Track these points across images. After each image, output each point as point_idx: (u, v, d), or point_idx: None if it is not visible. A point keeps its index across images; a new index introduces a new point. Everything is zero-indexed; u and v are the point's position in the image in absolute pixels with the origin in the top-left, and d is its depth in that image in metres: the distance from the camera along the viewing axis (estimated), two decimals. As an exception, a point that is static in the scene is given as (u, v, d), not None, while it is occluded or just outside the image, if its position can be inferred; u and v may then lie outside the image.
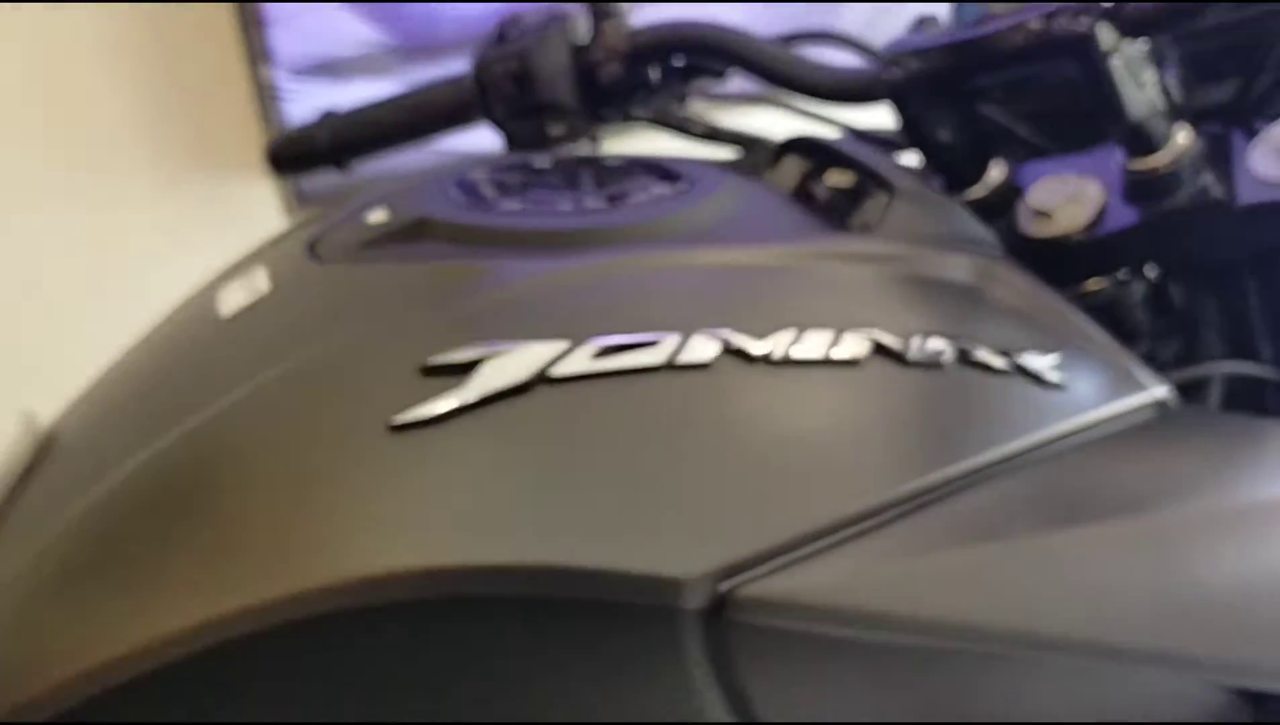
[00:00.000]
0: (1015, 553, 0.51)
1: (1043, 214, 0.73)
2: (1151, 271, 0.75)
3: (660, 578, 0.46)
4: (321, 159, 0.95)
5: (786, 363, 0.53)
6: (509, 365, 0.50)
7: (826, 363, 0.54)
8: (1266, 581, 0.54)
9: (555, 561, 0.46)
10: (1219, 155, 0.71)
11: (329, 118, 0.95)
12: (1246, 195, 0.69)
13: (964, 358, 0.57)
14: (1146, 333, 0.76)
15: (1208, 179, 0.70)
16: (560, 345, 0.51)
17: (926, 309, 0.58)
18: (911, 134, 0.75)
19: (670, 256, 0.58)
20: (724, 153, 0.87)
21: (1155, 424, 0.60)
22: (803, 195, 0.74)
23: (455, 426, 0.49)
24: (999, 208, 0.75)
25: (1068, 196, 0.73)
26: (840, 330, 0.55)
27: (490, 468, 0.48)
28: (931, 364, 0.56)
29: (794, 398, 0.52)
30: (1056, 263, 0.74)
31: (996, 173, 0.76)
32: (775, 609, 0.47)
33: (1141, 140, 0.69)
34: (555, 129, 0.86)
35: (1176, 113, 0.70)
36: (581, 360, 0.50)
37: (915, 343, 0.56)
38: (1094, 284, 0.74)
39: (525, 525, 0.47)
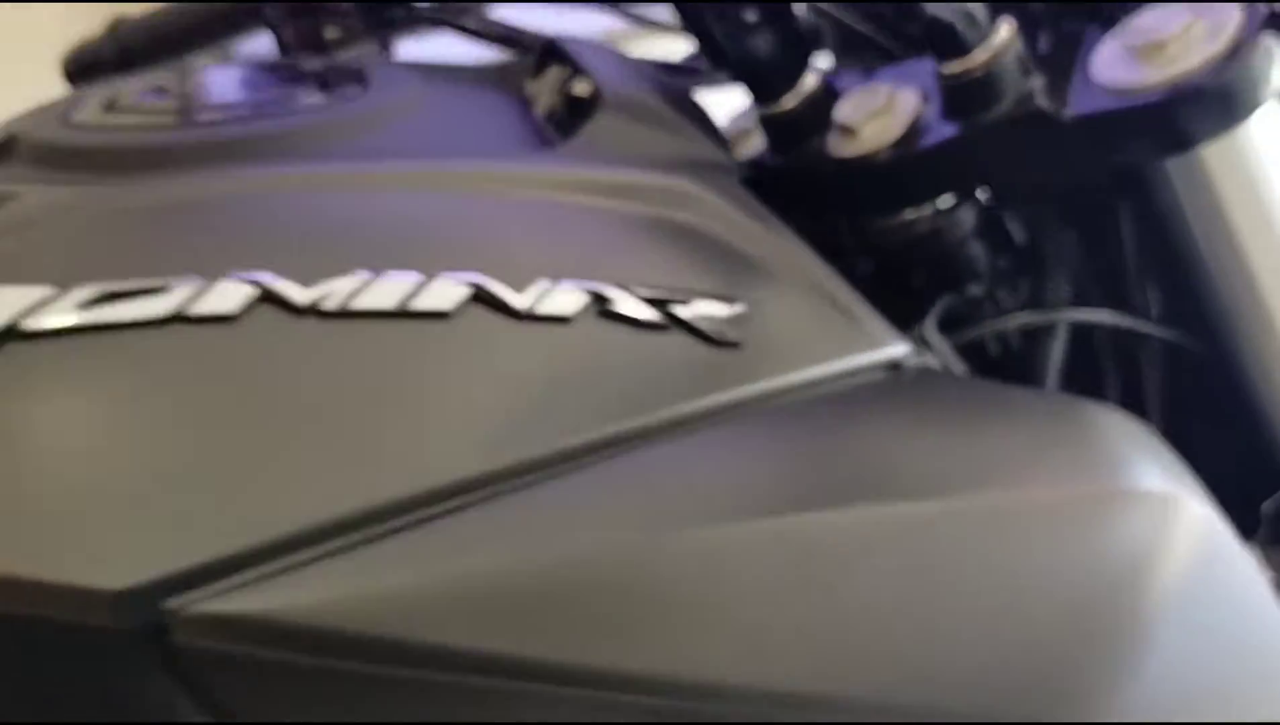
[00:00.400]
0: (586, 562, 0.39)
1: (848, 130, 0.61)
2: (981, 199, 0.63)
3: (77, 589, 0.35)
4: (110, 67, 0.89)
5: (341, 315, 0.41)
6: None
7: (401, 315, 0.41)
8: (954, 603, 0.41)
9: None
10: (1069, 58, 0.58)
11: (118, 26, 0.87)
12: (1080, 104, 0.56)
13: (600, 308, 0.44)
14: (981, 273, 0.64)
15: (1035, 84, 0.57)
16: (41, 291, 0.39)
17: (566, 248, 0.46)
18: (694, 26, 0.62)
19: (250, 179, 0.45)
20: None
21: (865, 394, 0.47)
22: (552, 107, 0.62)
23: None
24: (814, 124, 0.63)
25: (876, 110, 0.60)
26: (431, 273, 0.42)
27: None
28: (551, 316, 0.43)
29: (338, 362, 0.40)
30: (865, 188, 0.62)
31: (810, 81, 0.63)
32: (230, 632, 0.36)
33: (948, 39, 0.56)
34: (331, 31, 0.75)
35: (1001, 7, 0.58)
36: (65, 311, 0.39)
37: (533, 290, 0.43)
38: (910, 213, 0.62)
39: None
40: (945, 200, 0.61)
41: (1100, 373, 0.67)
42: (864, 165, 0.60)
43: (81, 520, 0.35)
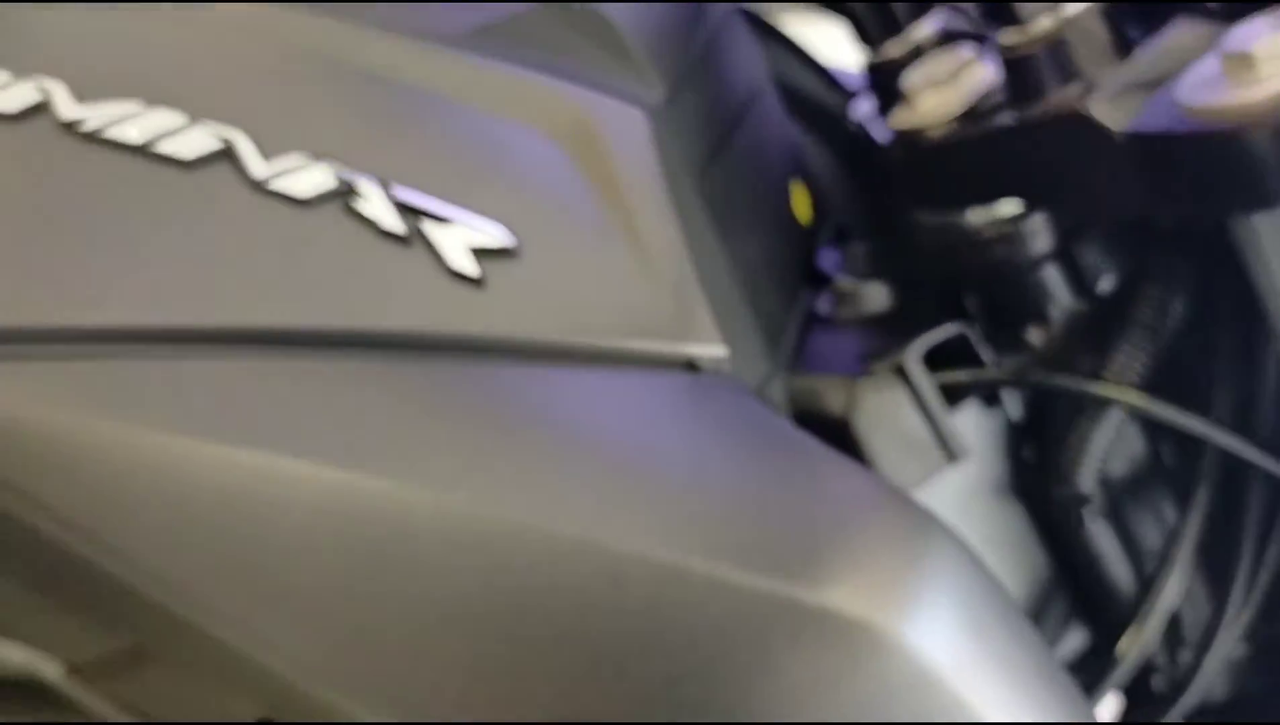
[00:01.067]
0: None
1: (906, 97, 0.51)
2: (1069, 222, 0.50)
3: None
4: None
5: (91, 138, 0.41)
6: None
7: (143, 152, 0.40)
8: None
9: None
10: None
11: None
12: (1142, 119, 0.42)
13: (345, 201, 0.40)
14: (1048, 314, 0.51)
15: (1108, 83, 0.44)
16: None
17: (356, 130, 0.42)
18: None
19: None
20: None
21: (599, 381, 0.39)
22: None
23: None
24: None
25: (939, 79, 0.50)
26: (196, 119, 0.41)
27: None
28: (283, 194, 0.40)
29: (57, 180, 0.40)
30: (909, 169, 0.51)
31: (927, 29, 0.53)
32: None
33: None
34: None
35: None
36: None
37: (281, 162, 0.40)
38: (976, 216, 0.50)
39: None
40: (1011, 208, 0.49)
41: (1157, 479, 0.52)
42: (911, 141, 0.50)
43: None
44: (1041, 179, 0.47)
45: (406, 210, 0.40)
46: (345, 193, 0.40)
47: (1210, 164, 0.41)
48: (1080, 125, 0.44)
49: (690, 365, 0.41)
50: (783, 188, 0.56)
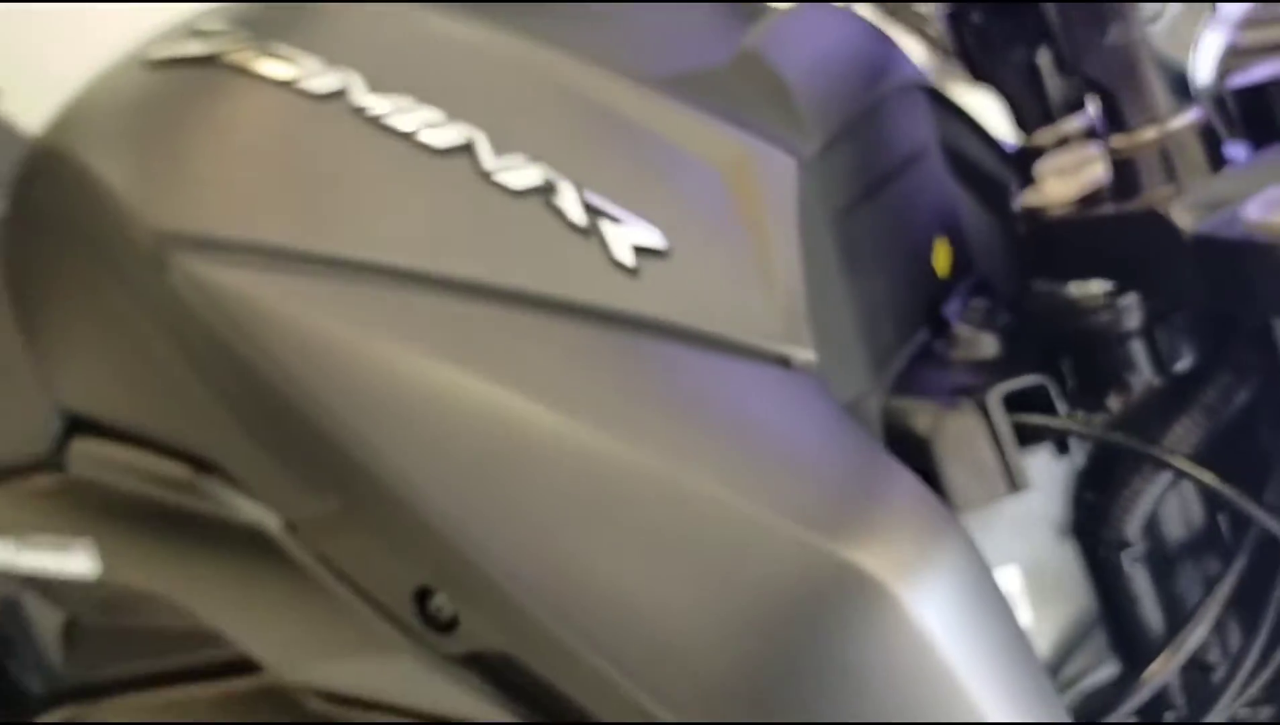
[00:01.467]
0: None
1: (1036, 181, 0.59)
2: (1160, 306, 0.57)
3: None
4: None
5: (374, 123, 0.54)
6: None
7: (406, 138, 0.53)
8: None
9: None
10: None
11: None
12: (1210, 225, 0.50)
13: (546, 196, 0.52)
14: (1128, 383, 0.58)
15: (1195, 190, 0.51)
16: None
17: (573, 141, 0.53)
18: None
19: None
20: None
21: (713, 367, 0.50)
22: None
23: None
24: None
25: (1070, 167, 0.58)
26: (453, 117, 0.53)
27: None
28: (503, 186, 0.52)
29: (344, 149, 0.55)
30: (1028, 243, 0.59)
31: (1074, 125, 0.61)
32: None
33: (1108, 107, 0.53)
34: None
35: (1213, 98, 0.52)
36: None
37: (507, 161, 0.52)
38: (1077, 289, 0.58)
39: None
40: (1106, 286, 0.57)
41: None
42: (1033, 217, 0.58)
43: None
44: (1130, 265, 0.55)
45: (591, 210, 0.52)
46: (548, 190, 0.53)
47: (1257, 269, 0.48)
48: (1161, 224, 0.51)
49: (784, 362, 0.51)
50: (926, 240, 0.65)
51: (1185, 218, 0.51)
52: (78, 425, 0.65)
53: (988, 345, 0.61)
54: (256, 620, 0.66)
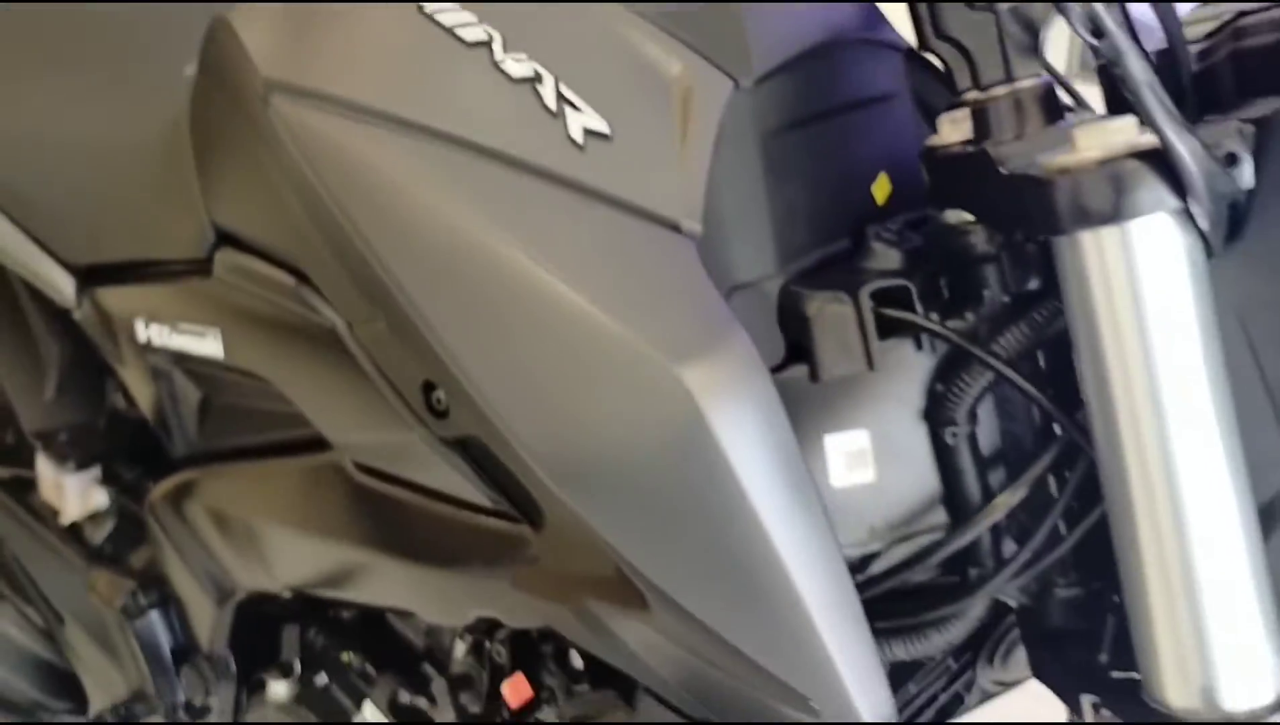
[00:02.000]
0: None
1: (938, 126, 0.72)
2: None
3: None
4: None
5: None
6: None
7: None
8: None
9: None
10: None
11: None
12: (1018, 164, 0.63)
13: (532, 85, 0.69)
14: (980, 300, 0.71)
15: (1032, 137, 0.65)
16: None
17: (567, 42, 0.71)
18: None
19: None
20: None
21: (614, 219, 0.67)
22: None
23: None
24: None
25: (962, 117, 0.71)
26: (480, 19, 0.71)
27: None
28: (504, 72, 0.70)
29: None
30: (931, 179, 0.73)
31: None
32: None
33: (970, 64, 0.66)
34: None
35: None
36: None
37: (515, 57, 0.70)
38: (951, 216, 0.72)
39: None
40: (961, 217, 0.70)
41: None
42: (927, 157, 0.72)
43: None
44: (976, 196, 0.68)
45: (561, 98, 0.69)
46: (536, 79, 0.70)
47: (1034, 198, 0.61)
48: (989, 162, 0.64)
49: (675, 227, 0.68)
50: (869, 171, 0.79)
51: (1005, 158, 0.64)
52: (224, 238, 0.88)
53: (891, 259, 0.75)
54: (322, 399, 0.87)
